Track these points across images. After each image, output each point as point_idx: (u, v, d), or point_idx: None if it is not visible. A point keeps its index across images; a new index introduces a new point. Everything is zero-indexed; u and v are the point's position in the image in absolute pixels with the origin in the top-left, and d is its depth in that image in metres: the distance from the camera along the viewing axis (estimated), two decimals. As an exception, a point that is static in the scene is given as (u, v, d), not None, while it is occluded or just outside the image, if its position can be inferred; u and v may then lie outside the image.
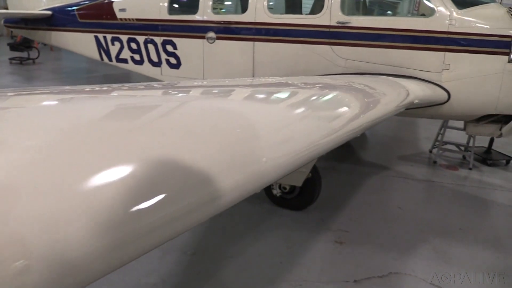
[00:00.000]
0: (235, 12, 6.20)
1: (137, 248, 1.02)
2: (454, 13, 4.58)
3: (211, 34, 5.85)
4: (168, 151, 1.24)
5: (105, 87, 2.11)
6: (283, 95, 2.50)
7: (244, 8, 5.59)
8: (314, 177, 4.32)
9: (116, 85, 2.20)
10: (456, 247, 3.95)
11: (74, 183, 0.97)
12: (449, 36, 4.62)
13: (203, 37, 5.93)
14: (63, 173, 0.99)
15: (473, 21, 4.53)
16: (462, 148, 6.57)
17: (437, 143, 6.58)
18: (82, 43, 7.41)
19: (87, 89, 2.08)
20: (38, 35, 8.11)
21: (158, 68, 6.55)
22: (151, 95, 2.09)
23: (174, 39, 6.23)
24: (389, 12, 6.03)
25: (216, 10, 5.90)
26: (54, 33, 7.79)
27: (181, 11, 6.26)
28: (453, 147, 6.60)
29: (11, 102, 1.61)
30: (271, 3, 5.58)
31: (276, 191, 4.51)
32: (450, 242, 4.03)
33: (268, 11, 5.45)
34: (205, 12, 5.87)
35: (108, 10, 6.87)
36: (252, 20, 5.52)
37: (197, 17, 5.95)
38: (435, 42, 4.70)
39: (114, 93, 1.97)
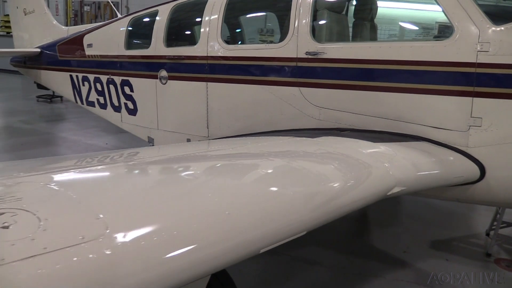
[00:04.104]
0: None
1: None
2: (489, 31, 2.68)
3: (163, 73, 4.51)
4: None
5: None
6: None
7: (195, 38, 4.17)
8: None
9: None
10: None
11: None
12: (478, 70, 2.71)
13: (156, 77, 4.61)
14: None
15: (522, 44, 2.59)
16: (537, 233, 4.30)
17: (495, 223, 4.38)
18: (60, 82, 6.57)
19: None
20: (32, 74, 7.51)
21: (118, 114, 5.37)
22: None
23: (131, 79, 5.01)
24: (383, 34, 4.13)
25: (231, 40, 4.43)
26: (42, 72, 7.10)
27: (137, 44, 5.04)
28: (521, 232, 4.35)
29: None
30: (227, 30, 4.09)
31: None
32: None
33: (221, 41, 3.95)
34: (157, 45, 4.55)
35: (79, 46, 5.93)
36: (204, 54, 4.06)
37: (150, 51, 4.66)
38: (454, 80, 2.81)
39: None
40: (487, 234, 4.56)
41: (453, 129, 2.85)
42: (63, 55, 6.38)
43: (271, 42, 3.74)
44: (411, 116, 3.00)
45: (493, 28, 2.68)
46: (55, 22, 7.20)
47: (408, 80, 2.97)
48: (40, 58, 7.02)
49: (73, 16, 16.16)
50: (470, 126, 2.79)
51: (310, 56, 3.36)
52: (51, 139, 7.56)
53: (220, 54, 3.95)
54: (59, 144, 7.35)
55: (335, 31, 3.59)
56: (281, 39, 3.57)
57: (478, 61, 2.70)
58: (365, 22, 4.08)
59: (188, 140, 4.40)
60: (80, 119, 9.04)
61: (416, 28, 3.69)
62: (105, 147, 7.21)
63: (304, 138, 2.84)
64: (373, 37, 3.98)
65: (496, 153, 2.74)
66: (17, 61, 7.79)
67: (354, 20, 4.08)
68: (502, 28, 2.66)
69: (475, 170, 2.78)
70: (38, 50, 7.04)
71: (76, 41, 6.01)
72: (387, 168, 2.29)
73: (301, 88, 3.46)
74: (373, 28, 4.15)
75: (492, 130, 2.72)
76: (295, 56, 3.45)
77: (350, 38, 3.97)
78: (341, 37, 3.62)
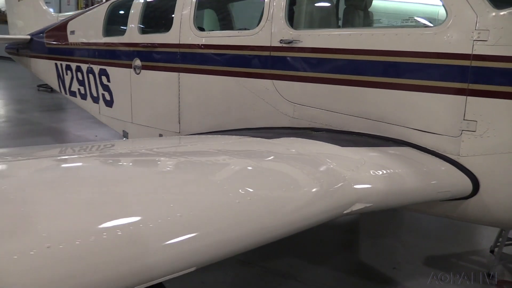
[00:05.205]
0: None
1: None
2: (489, 16, 2.21)
3: (137, 62, 4.15)
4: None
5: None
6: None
7: (168, 24, 3.78)
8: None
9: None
10: None
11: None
12: (474, 63, 2.25)
13: (130, 66, 4.25)
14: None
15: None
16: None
17: (500, 239, 3.88)
18: (47, 71, 6.31)
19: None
20: (23, 62, 7.27)
21: (97, 105, 5.05)
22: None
23: (107, 68, 4.67)
24: (368, 20, 3.63)
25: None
26: (32, 60, 6.85)
27: (114, 31, 4.68)
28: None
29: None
30: (202, 16, 3.70)
31: None
32: None
33: (194, 27, 3.56)
34: (132, 32, 4.20)
35: (63, 33, 5.64)
36: (177, 42, 3.68)
37: (125, 39, 4.31)
38: (445, 75, 2.36)
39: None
40: (492, 251, 4.06)
41: (442, 133, 2.39)
42: (50, 42, 6.11)
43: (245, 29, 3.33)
44: (395, 117, 2.55)
45: (494, 13, 2.21)
46: (45, 7, 6.93)
47: (391, 74, 2.52)
48: (30, 46, 6.77)
49: (84, 6, 16.01)
50: (462, 130, 2.33)
51: (284, 45, 2.94)
52: (40, 130, 7.33)
53: (192, 42, 3.56)
54: (47, 134, 7.11)
55: (316, 17, 3.15)
56: (255, 25, 3.15)
57: (474, 53, 2.24)
58: (358, 10, 3.62)
59: (161, 135, 4.04)
60: (76, 109, 8.72)
61: (403, 12, 3.20)
62: (93, 139, 6.93)
63: (258, 139, 2.43)
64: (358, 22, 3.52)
65: (492, 164, 2.27)
66: (10, 48, 7.56)
67: (345, 7, 3.64)
68: (505, 12, 2.19)
69: (466, 184, 2.32)
70: (28, 37, 6.79)
71: (61, 28, 5.72)
72: (347, 179, 1.86)
73: (274, 81, 3.04)
74: (367, 17, 3.70)
75: (489, 137, 2.25)
76: (269, 45, 3.03)
77: (338, 27, 3.52)
78: (324, 25, 3.18)
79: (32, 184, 1.53)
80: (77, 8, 15.93)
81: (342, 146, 2.29)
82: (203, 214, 1.45)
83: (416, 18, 2.79)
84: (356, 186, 1.86)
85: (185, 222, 1.39)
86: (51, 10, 13.03)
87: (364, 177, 1.95)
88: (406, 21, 2.84)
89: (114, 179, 1.69)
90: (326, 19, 3.23)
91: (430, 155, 2.41)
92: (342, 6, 3.71)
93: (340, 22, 3.65)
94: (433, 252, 4.08)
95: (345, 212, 1.77)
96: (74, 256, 1.14)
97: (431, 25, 2.46)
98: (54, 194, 1.44)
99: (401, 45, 2.45)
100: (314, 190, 1.70)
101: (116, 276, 1.19)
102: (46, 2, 7.47)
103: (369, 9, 3.73)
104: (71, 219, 1.27)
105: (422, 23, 2.66)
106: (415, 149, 2.46)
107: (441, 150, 2.40)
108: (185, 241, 1.36)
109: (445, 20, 2.32)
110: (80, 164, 1.99)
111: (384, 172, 2.06)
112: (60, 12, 13.70)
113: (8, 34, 7.70)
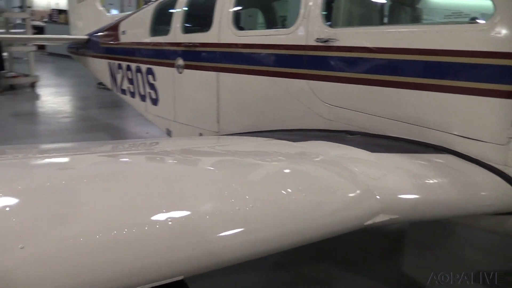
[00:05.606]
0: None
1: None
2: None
3: (180, 61, 4.21)
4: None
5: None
6: None
7: (208, 23, 3.79)
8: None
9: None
10: None
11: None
12: (526, 64, 2.03)
13: (173, 65, 4.33)
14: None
15: None
16: None
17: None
18: (101, 70, 6.61)
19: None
20: (82, 61, 7.68)
21: (144, 103, 5.21)
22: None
23: (153, 68, 4.80)
24: (408, 17, 3.36)
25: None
26: (89, 59, 7.21)
27: (159, 31, 4.78)
28: None
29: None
30: (239, 15, 3.66)
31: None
32: None
33: (233, 26, 3.54)
34: (176, 32, 4.27)
35: (115, 33, 5.87)
36: (216, 41, 3.68)
37: (169, 38, 4.39)
38: (491, 76, 2.15)
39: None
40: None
41: (487, 140, 2.18)
42: (104, 42, 6.39)
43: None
44: (435, 121, 2.37)
45: (551, 7, 1.97)
46: (101, 8, 7.26)
47: (432, 75, 2.33)
48: (87, 46, 7.13)
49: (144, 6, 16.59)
50: (510, 138, 2.11)
51: (320, 44, 2.83)
52: (95, 126, 7.70)
53: (230, 41, 3.55)
54: (102, 130, 7.45)
55: (356, 14, 3.01)
56: (291, 23, 3.07)
57: (525, 52, 2.01)
58: (405, 6, 3.42)
59: (200, 135, 4.08)
60: (131, 107, 9.14)
61: (454, 8, 2.95)
62: (144, 136, 7.17)
63: (282, 141, 2.34)
64: (398, 20, 3.31)
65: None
66: (71, 47, 8.01)
67: (390, 3, 3.45)
68: None
69: (514, 197, 2.10)
70: (86, 37, 7.15)
71: (114, 28, 5.96)
72: (371, 187, 1.74)
73: (309, 81, 2.94)
74: (415, 13, 3.48)
75: (542, 145, 2.02)
76: (305, 44, 2.93)
77: (383, 24, 3.34)
78: (364, 23, 3.02)
79: (89, 176, 1.60)
80: (137, 8, 16.57)
81: (373, 151, 2.16)
82: (252, 210, 1.47)
83: (460, 14, 2.56)
84: (380, 196, 1.73)
85: (235, 217, 1.42)
86: (116, 11, 13.65)
87: (391, 186, 1.81)
88: (449, 17, 2.62)
89: (163, 175, 1.74)
90: (366, 17, 3.07)
91: (472, 164, 2.21)
92: (388, 2, 3.52)
93: (385, 20, 3.47)
94: (485, 267, 3.76)
95: (366, 223, 1.66)
96: (122, 245, 1.21)
97: (477, 21, 2.25)
98: (110, 186, 1.52)
99: (443, 44, 2.26)
100: (330, 198, 1.60)
101: (166, 263, 1.26)
102: (109, 4, 7.84)
103: (418, 6, 3.51)
104: (126, 209, 1.35)
105: (467, 19, 2.44)
106: (455, 157, 2.26)
107: (486, 159, 2.19)
108: (233, 235, 1.39)
109: (492, 15, 2.11)
110: (130, 160, 2.09)
111: (416, 181, 1.91)
112: (122, 12, 14.34)
113: (69, 34, 8.19)
